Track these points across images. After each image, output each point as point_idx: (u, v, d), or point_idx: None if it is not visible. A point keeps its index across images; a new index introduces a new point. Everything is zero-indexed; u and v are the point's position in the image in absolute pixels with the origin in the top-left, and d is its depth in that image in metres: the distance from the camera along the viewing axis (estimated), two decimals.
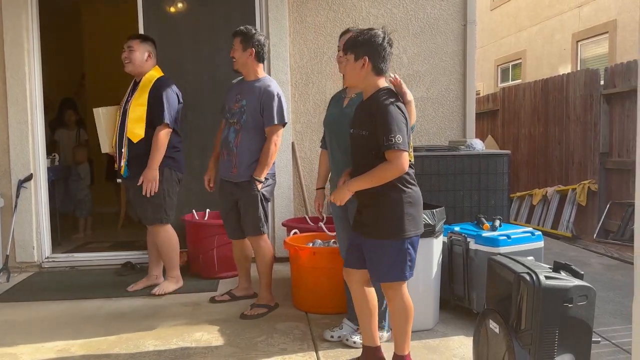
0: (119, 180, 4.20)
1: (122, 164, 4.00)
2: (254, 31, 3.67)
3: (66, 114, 6.73)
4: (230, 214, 3.79)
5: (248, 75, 3.72)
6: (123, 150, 3.99)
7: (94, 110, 4.19)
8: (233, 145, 3.64)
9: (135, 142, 3.96)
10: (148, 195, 3.91)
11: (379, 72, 2.64)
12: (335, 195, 2.67)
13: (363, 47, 2.61)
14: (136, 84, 4.11)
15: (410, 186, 2.62)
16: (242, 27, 3.71)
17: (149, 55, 4.10)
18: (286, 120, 3.65)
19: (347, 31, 3.17)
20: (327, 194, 3.37)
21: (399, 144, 2.48)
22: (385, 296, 2.78)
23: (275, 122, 3.58)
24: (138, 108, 3.96)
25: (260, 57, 3.69)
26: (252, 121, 3.60)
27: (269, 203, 5.02)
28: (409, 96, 2.75)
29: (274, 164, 3.71)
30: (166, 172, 4.02)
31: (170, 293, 4.14)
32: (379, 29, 2.66)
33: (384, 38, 2.62)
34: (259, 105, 3.59)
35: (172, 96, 4.02)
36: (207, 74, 5.14)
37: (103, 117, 4.16)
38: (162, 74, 4.13)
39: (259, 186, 3.59)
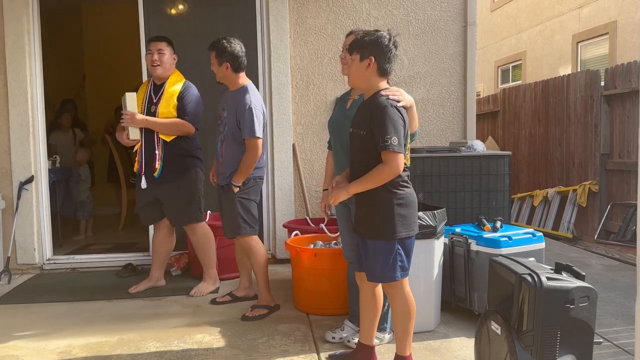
0: (144, 186, 4.06)
1: (158, 165, 4.00)
2: (226, 44, 3.67)
3: (63, 116, 6.71)
4: (222, 212, 3.91)
5: (230, 86, 3.79)
6: (157, 152, 4.00)
7: (127, 94, 3.98)
8: (220, 154, 3.78)
9: (168, 141, 3.99)
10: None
11: (383, 73, 2.65)
12: (332, 194, 2.70)
13: (370, 47, 2.61)
14: (156, 86, 4.11)
15: (402, 188, 2.63)
16: (215, 41, 3.72)
17: (174, 59, 4.15)
18: (257, 134, 3.58)
19: (352, 32, 3.17)
20: None
21: (394, 145, 2.50)
22: (387, 295, 2.79)
23: (246, 136, 3.60)
24: (170, 111, 3.99)
25: (236, 68, 3.70)
26: (231, 133, 3.68)
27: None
28: (407, 103, 2.68)
29: (261, 168, 3.76)
30: (200, 173, 4.16)
31: (208, 293, 4.14)
32: (384, 30, 2.66)
33: (389, 39, 2.63)
34: (235, 119, 3.64)
35: (199, 100, 4.13)
36: (208, 75, 5.11)
37: (134, 101, 4.00)
38: (183, 78, 4.16)
39: (235, 190, 3.65)
